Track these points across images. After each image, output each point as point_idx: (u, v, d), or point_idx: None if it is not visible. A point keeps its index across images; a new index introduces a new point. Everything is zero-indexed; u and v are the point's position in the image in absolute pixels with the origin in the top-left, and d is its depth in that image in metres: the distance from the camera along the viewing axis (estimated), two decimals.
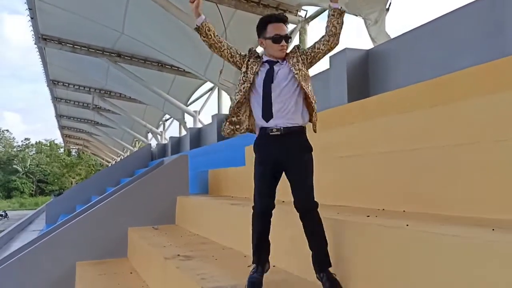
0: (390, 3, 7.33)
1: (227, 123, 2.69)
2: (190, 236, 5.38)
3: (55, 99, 24.53)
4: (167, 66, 16.01)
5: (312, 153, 2.63)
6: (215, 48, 2.73)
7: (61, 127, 33.95)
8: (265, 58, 2.67)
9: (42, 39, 14.96)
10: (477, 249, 1.76)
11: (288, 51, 2.66)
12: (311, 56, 2.61)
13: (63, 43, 15.29)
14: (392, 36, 7.12)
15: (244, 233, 4.14)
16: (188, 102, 19.10)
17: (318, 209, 2.53)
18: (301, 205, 2.52)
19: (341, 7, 2.56)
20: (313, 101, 2.58)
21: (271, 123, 2.55)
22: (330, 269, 2.48)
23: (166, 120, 25.17)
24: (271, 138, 2.56)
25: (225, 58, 2.76)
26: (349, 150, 4.08)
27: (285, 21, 2.66)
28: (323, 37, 2.58)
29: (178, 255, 4.06)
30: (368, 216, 2.77)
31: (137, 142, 32.64)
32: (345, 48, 6.91)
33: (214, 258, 3.84)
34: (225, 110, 16.01)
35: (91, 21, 13.37)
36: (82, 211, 8.18)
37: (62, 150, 69.62)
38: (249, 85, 2.60)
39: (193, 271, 3.32)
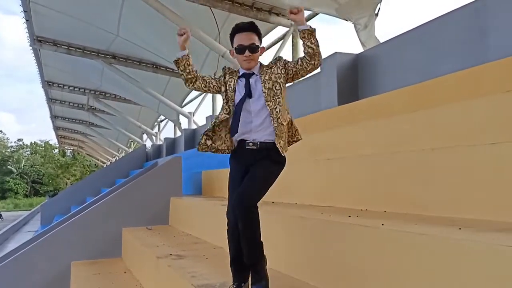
0: (379, 8, 7.50)
1: (205, 137, 2.69)
2: (182, 236, 5.52)
3: (50, 100, 24.55)
4: (161, 68, 16.12)
5: (280, 169, 2.63)
6: (190, 83, 2.75)
7: (56, 128, 33.91)
8: (241, 72, 2.66)
9: (37, 41, 15.03)
10: (442, 247, 1.90)
11: (265, 62, 2.65)
12: (293, 71, 2.57)
13: (58, 45, 15.36)
14: (381, 41, 7.28)
15: None
16: (183, 104, 19.21)
17: (255, 210, 2.48)
18: (236, 198, 2.50)
19: (310, 27, 2.47)
20: (276, 122, 2.50)
21: (249, 137, 2.58)
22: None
23: (161, 121, 25.25)
24: (246, 150, 2.59)
25: (201, 90, 2.79)
26: (336, 152, 4.23)
27: (251, 29, 2.58)
28: (304, 57, 2.52)
29: (171, 254, 4.19)
30: (350, 216, 2.92)
31: (132, 143, 32.71)
32: (335, 52, 7.06)
33: (205, 257, 3.98)
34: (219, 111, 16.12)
35: (86, 23, 13.46)
36: (77, 211, 8.30)
37: (56, 151, 69.46)
38: (233, 103, 2.59)
39: (184, 270, 3.46)
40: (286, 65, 2.60)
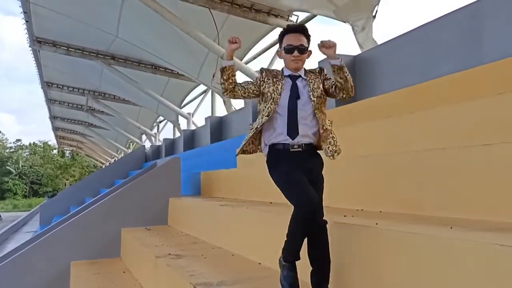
0: (377, 10, 7.55)
1: (251, 141, 2.67)
2: (181, 236, 5.56)
3: (49, 101, 24.57)
4: (161, 69, 16.15)
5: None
6: (230, 92, 2.66)
7: (55, 129, 33.91)
8: (286, 72, 2.64)
9: (37, 42, 15.06)
10: (434, 246, 1.95)
11: (310, 67, 2.67)
12: (327, 90, 2.62)
13: (57, 46, 15.38)
14: (379, 42, 7.34)
15: (232, 233, 4.34)
16: (182, 104, 19.25)
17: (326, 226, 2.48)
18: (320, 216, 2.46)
19: (340, 62, 2.49)
20: (322, 129, 2.56)
21: (295, 140, 2.53)
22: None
23: (160, 122, 25.28)
24: (290, 154, 2.52)
25: (240, 97, 2.71)
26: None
27: (302, 31, 2.59)
28: (335, 87, 2.56)
29: (169, 254, 4.24)
30: (345, 216, 2.97)
31: (131, 144, 32.72)
32: None
33: (203, 257, 4.03)
34: (218, 113, 16.19)
35: (86, 24, 13.50)
36: (76, 212, 8.33)
37: (56, 151, 69.42)
38: (277, 104, 2.54)
39: (183, 269, 3.51)
40: (326, 79, 2.64)
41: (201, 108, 18.43)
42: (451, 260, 1.85)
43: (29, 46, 15.36)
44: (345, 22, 7.97)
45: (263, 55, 12.87)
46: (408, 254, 2.07)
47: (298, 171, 2.48)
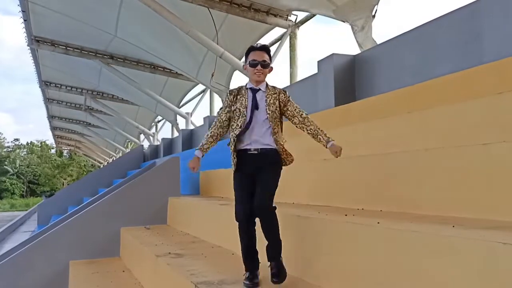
0: (376, 10, 7.57)
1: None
2: (181, 236, 5.56)
3: (47, 100, 24.55)
4: (159, 68, 16.16)
5: (280, 171, 2.95)
6: (221, 136, 3.09)
7: (53, 128, 33.87)
8: (248, 85, 3.00)
9: (35, 41, 15.04)
10: (436, 244, 1.96)
11: (273, 85, 2.99)
12: (287, 115, 3.01)
13: (56, 45, 15.38)
14: (378, 42, 7.35)
15: (232, 232, 4.34)
16: (180, 104, 19.25)
17: (275, 212, 2.81)
18: (258, 204, 2.78)
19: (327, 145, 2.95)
20: (274, 136, 2.89)
21: (251, 146, 2.90)
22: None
23: (159, 121, 25.29)
24: (248, 156, 2.91)
25: (228, 127, 3.05)
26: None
27: (264, 50, 2.95)
28: (303, 123, 2.98)
29: (169, 253, 4.24)
30: (346, 215, 2.98)
31: (129, 143, 32.71)
32: (332, 53, 7.12)
33: (203, 256, 4.03)
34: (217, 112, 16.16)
35: (84, 23, 13.50)
36: (74, 211, 8.33)
37: (53, 151, 69.28)
38: (244, 118, 2.90)
39: (183, 268, 3.51)
40: (286, 102, 3.00)
41: (200, 107, 18.45)
42: (454, 258, 1.86)
43: (28, 45, 15.33)
44: (344, 22, 7.99)
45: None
46: (411, 252, 2.08)
47: (244, 179, 2.92)
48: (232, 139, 2.93)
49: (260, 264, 2.91)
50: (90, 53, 15.75)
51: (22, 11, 12.75)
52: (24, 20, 13.48)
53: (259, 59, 2.91)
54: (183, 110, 18.55)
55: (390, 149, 3.51)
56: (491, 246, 1.72)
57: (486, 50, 4.84)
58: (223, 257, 3.96)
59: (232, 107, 2.96)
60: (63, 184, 58.53)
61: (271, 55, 3.02)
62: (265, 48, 2.97)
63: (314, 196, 4.09)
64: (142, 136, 27.01)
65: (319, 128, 2.98)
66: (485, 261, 1.73)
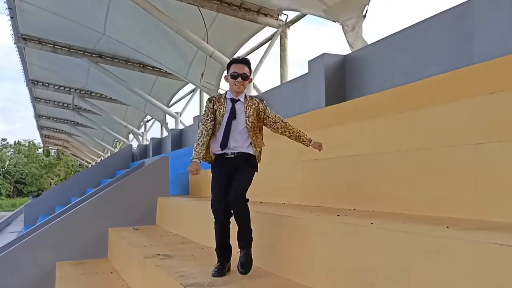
0: (367, 10, 7.57)
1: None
2: (170, 236, 5.50)
3: (35, 99, 24.25)
4: (148, 67, 16.03)
5: (255, 172, 3.17)
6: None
7: (40, 127, 33.49)
8: (228, 96, 3.19)
9: (22, 39, 14.83)
10: (431, 245, 1.94)
11: (252, 95, 3.21)
12: (265, 122, 3.27)
13: (43, 43, 15.18)
14: (369, 42, 7.35)
15: None
16: (170, 103, 19.13)
17: (247, 204, 3.04)
18: (234, 196, 2.99)
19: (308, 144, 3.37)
20: (254, 146, 3.15)
21: (228, 151, 3.12)
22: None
23: (148, 121, 25.11)
24: (226, 159, 3.14)
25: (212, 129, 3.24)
26: (323, 153, 4.25)
27: (245, 63, 3.15)
28: (278, 127, 3.28)
29: (158, 254, 4.18)
30: (338, 215, 2.95)
31: (118, 143, 32.47)
32: (323, 53, 7.10)
33: (193, 257, 3.97)
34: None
35: (72, 21, 13.33)
36: (62, 212, 8.21)
37: (41, 150, 68.51)
38: (219, 125, 3.13)
39: (172, 269, 3.45)
40: (265, 112, 3.24)
41: (189, 107, 18.36)
42: (448, 259, 1.83)
43: (14, 43, 15.11)
44: (335, 22, 7.98)
45: (252, 55, 12.84)
46: (405, 253, 2.05)
47: (221, 178, 3.13)
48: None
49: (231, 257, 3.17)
50: (78, 52, 15.57)
51: (9, 8, 12.56)
52: (11, 18, 13.28)
53: (239, 72, 3.10)
54: (173, 109, 18.45)
55: (382, 149, 3.49)
56: (486, 248, 1.69)
57: (476, 51, 4.85)
58: (213, 258, 3.88)
59: (216, 113, 3.16)
60: (50, 184, 57.96)
61: (251, 68, 3.21)
62: (246, 62, 3.17)
63: (305, 197, 4.05)
64: (131, 136, 26.81)
65: (299, 130, 3.31)
66: (480, 262, 1.71)
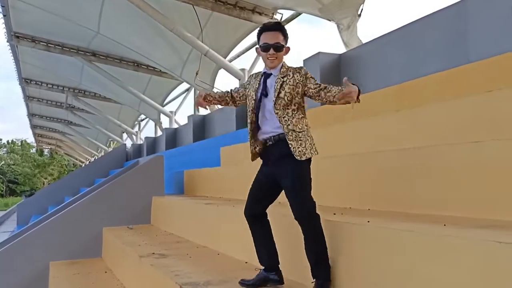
0: (362, 9, 7.56)
1: (251, 147, 2.72)
2: (165, 236, 5.46)
3: (28, 98, 24.07)
4: (143, 66, 15.95)
5: (306, 165, 2.60)
6: (233, 104, 2.94)
7: (33, 126, 33.28)
8: (263, 70, 2.72)
9: (15, 37, 14.71)
10: (429, 243, 1.92)
11: (291, 66, 2.64)
12: (309, 94, 2.62)
13: (36, 42, 15.07)
14: (364, 41, 7.35)
15: (217, 232, 4.27)
16: (164, 103, 19.06)
17: (317, 219, 2.47)
18: (295, 217, 2.51)
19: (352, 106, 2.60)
20: (286, 128, 2.53)
21: (264, 135, 2.64)
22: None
23: (142, 120, 25.00)
24: (267, 148, 2.67)
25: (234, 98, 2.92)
26: (319, 152, 4.24)
27: (277, 29, 2.62)
28: (321, 93, 2.59)
29: (153, 253, 4.14)
30: (335, 214, 2.93)
31: (111, 142, 32.30)
32: (318, 52, 7.08)
33: (188, 256, 3.95)
34: (201, 111, 16.06)
35: (66, 20, 13.23)
36: (55, 211, 8.14)
37: (34, 150, 68.05)
38: (253, 102, 2.66)
39: (167, 268, 3.42)
40: (307, 82, 2.61)
41: (184, 106, 18.31)
42: (448, 257, 1.82)
43: (7, 41, 14.99)
44: (330, 21, 7.97)
45: (247, 54, 12.82)
46: (403, 251, 2.04)
47: (262, 173, 2.71)
48: (247, 127, 2.70)
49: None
50: (72, 50, 15.48)
51: (2, 6, 12.46)
52: (4, 16, 13.17)
53: (271, 41, 2.57)
54: (167, 108, 18.39)
55: (378, 147, 3.47)
56: (486, 245, 1.68)
57: (472, 49, 4.84)
58: (209, 257, 3.88)
59: (248, 90, 2.76)
60: (43, 184, 57.56)
61: (287, 34, 2.66)
62: (279, 27, 2.63)
63: None
64: (125, 135, 26.67)
65: (337, 88, 2.59)
66: (480, 260, 1.69)
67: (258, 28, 2.70)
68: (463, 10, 5.03)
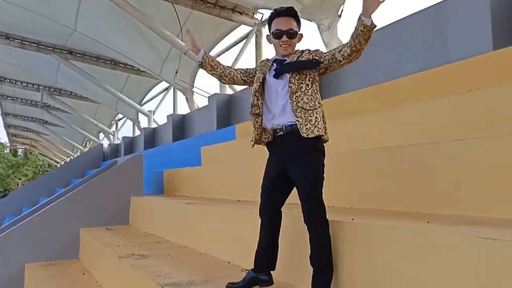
0: (343, 10, 7.62)
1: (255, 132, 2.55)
2: (144, 236, 5.38)
3: (1, 97, 23.48)
4: (120, 65, 15.75)
5: (322, 157, 2.41)
6: (225, 77, 2.70)
7: (7, 126, 32.49)
8: (274, 57, 2.57)
9: None
10: (414, 239, 1.93)
11: (301, 48, 2.50)
12: (327, 64, 2.40)
13: (10, 39, 14.71)
14: (344, 42, 7.39)
15: (199, 231, 4.22)
16: (143, 102, 18.85)
17: (325, 226, 2.33)
18: (304, 218, 2.38)
19: (371, 23, 2.14)
20: (296, 105, 2.35)
21: (273, 122, 2.46)
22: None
23: (119, 119, 24.67)
24: (276, 139, 2.49)
25: (239, 81, 2.70)
26: None
27: (290, 14, 2.47)
28: (344, 49, 2.31)
29: (133, 254, 4.07)
30: None
31: (88, 142, 31.75)
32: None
33: (169, 257, 3.88)
34: (181, 110, 15.95)
35: (42, 17, 12.94)
36: (30, 212, 7.95)
37: (8, 150, 66.44)
38: (258, 84, 2.50)
39: (148, 269, 3.36)
40: (319, 55, 2.43)
41: (163, 105, 18.16)
42: (431, 253, 1.83)
43: None
44: (311, 21, 8.00)
45: (227, 53, 12.78)
46: (388, 248, 2.04)
47: (272, 166, 2.52)
48: (250, 110, 2.52)
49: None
50: (48, 48, 15.16)
51: None
52: None
53: (284, 28, 2.43)
54: (146, 108, 18.18)
55: (362, 146, 3.48)
56: (471, 242, 1.69)
57: (452, 50, 4.92)
58: (190, 257, 3.83)
59: (257, 75, 2.57)
60: (17, 185, 56.23)
61: (300, 19, 2.51)
62: (291, 12, 2.47)
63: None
64: (101, 135, 26.28)
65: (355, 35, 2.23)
66: (466, 256, 1.70)
67: (269, 14, 2.53)
68: (442, 11, 5.10)
